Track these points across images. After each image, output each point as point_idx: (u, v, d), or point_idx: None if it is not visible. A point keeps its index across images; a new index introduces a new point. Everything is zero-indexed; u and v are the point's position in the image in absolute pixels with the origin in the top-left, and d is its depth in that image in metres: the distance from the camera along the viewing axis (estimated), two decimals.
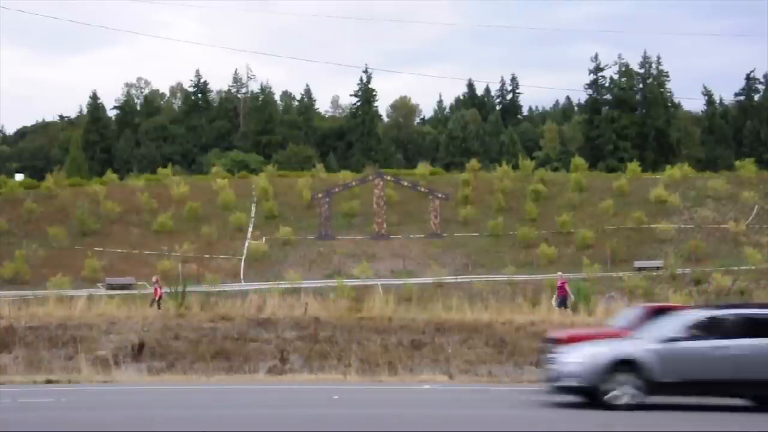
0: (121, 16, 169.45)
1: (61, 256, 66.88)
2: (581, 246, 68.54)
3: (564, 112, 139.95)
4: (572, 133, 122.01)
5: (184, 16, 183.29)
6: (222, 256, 68.94)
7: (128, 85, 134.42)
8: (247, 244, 71.16)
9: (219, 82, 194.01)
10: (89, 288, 54.24)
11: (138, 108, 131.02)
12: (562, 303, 33.87)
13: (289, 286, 51.55)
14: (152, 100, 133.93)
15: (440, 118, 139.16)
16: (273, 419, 15.32)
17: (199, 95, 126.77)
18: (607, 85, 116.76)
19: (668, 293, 50.75)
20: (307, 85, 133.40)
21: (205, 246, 69.90)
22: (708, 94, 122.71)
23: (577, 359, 16.21)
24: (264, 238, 71.46)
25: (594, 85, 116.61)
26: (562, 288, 34.56)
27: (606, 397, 15.74)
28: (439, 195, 74.88)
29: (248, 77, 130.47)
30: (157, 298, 34.69)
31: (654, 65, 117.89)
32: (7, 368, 23.94)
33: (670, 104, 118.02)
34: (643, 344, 16.17)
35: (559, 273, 37.11)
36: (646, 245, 69.23)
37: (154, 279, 37.93)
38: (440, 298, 36.82)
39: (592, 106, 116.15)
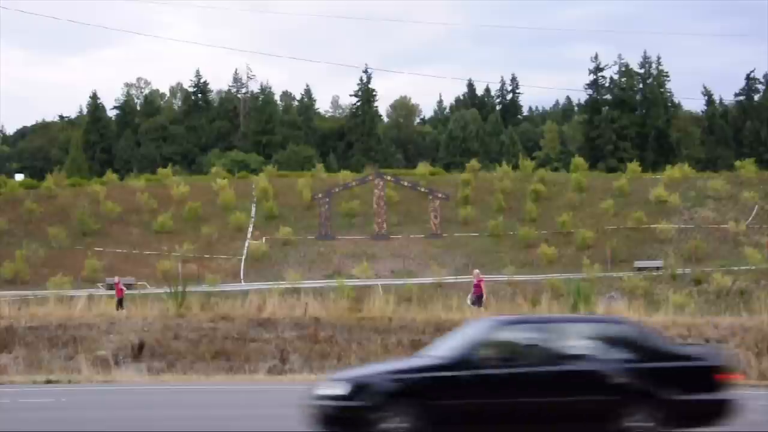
0: (120, 16, 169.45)
1: (61, 256, 66.87)
2: (581, 246, 68.50)
3: (564, 112, 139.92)
4: (572, 133, 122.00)
5: (184, 16, 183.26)
6: (222, 256, 68.92)
7: (128, 85, 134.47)
8: (247, 244, 71.13)
9: (219, 82, 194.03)
10: (89, 288, 54.21)
11: (138, 108, 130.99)
12: (478, 301, 33.97)
13: (289, 286, 51.57)
14: (152, 100, 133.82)
15: (440, 118, 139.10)
16: (272, 419, 15.32)
17: (199, 95, 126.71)
18: (607, 85, 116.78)
19: (668, 293, 50.70)
20: (307, 85, 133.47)
21: (205, 246, 69.89)
22: (708, 94, 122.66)
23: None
24: (264, 238, 71.44)
25: (594, 85, 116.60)
26: (478, 286, 34.70)
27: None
28: (439, 195, 74.84)
29: (248, 77, 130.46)
30: (119, 298, 35.36)
31: (654, 65, 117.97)
32: (7, 368, 23.96)
33: (670, 104, 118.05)
34: None
35: (476, 271, 37.15)
36: (646, 245, 69.19)
37: (115, 280, 38.77)
38: (440, 298, 36.75)
39: (592, 106, 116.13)
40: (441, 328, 28.06)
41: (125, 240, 71.37)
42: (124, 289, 38.39)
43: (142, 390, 20.87)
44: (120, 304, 34.62)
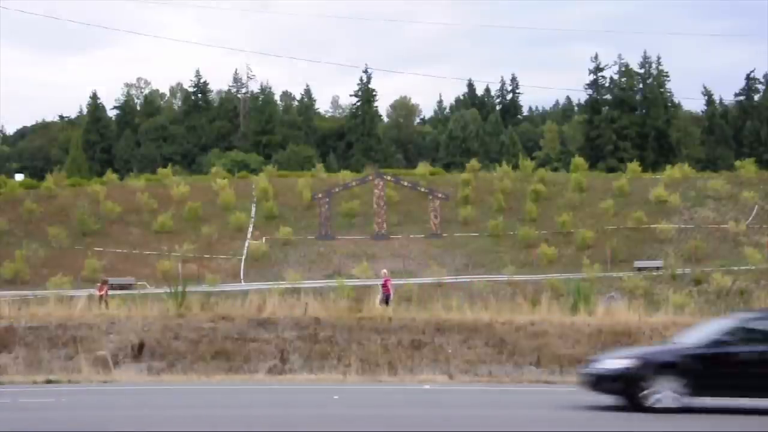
0: (120, 16, 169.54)
1: (61, 256, 66.86)
2: (581, 246, 68.50)
3: (564, 112, 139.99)
4: (572, 133, 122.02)
5: (184, 16, 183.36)
6: (222, 256, 68.92)
7: (128, 85, 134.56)
8: (247, 244, 71.12)
9: (219, 82, 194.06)
10: (89, 288, 54.18)
11: (138, 108, 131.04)
12: (385, 300, 34.12)
13: (289, 286, 51.52)
14: (152, 100, 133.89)
15: (440, 118, 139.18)
16: (273, 419, 15.32)
17: (199, 95, 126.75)
18: (607, 85, 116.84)
19: (668, 293, 50.71)
20: (307, 85, 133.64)
21: (205, 246, 69.88)
22: (708, 94, 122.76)
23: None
24: (264, 238, 71.44)
25: (594, 85, 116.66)
26: (385, 286, 34.87)
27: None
28: (439, 195, 74.86)
29: (248, 77, 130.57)
30: (103, 295, 35.52)
31: (654, 65, 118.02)
32: (7, 368, 23.95)
33: (670, 104, 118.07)
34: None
35: (384, 271, 37.42)
36: (646, 245, 69.20)
37: (101, 278, 39.08)
38: (440, 298, 36.73)
39: (592, 106, 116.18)
40: (441, 328, 28.09)
41: (125, 240, 71.38)
42: (107, 288, 38.59)
43: (142, 390, 20.86)
44: (102, 300, 34.87)
